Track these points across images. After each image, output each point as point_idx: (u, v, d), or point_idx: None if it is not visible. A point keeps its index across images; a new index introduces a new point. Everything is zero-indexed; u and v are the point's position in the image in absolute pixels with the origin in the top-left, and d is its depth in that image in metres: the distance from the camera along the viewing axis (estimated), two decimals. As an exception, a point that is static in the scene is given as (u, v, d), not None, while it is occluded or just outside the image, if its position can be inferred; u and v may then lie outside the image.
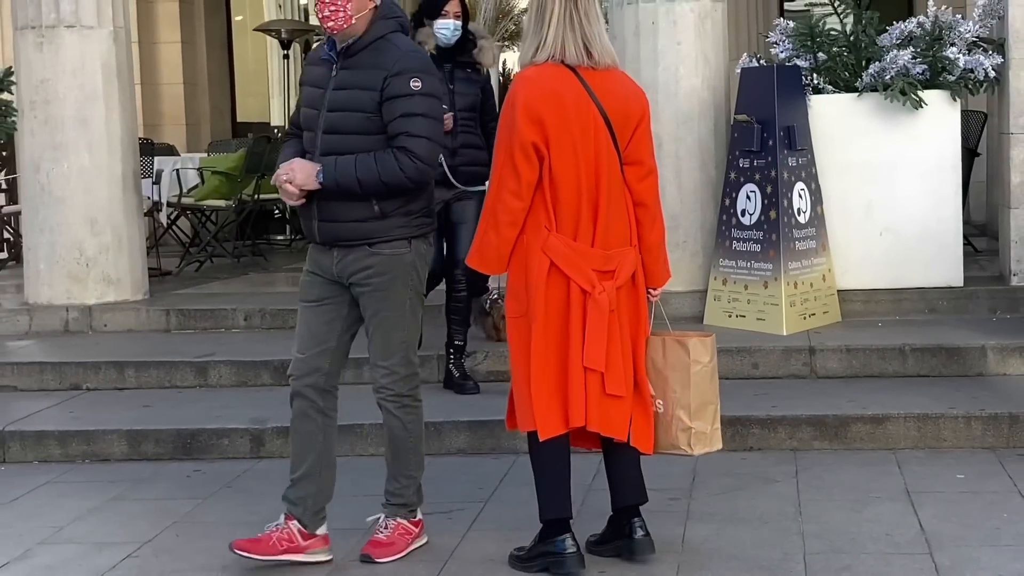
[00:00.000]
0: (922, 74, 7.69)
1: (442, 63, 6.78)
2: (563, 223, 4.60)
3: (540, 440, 4.60)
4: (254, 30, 16.04)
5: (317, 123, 4.75)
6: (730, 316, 7.63)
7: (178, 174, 11.67)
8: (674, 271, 7.78)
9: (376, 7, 4.74)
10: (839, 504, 5.37)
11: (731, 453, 6.08)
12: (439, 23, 6.81)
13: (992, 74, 7.74)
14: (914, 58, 7.66)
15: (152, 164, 11.66)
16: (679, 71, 7.96)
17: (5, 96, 9.19)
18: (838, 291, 7.74)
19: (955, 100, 7.79)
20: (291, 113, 5.18)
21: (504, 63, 19.02)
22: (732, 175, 7.75)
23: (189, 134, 14.51)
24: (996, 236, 8.69)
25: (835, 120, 7.79)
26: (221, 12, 15.43)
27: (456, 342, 7.03)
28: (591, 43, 4.60)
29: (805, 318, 7.48)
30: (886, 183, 7.79)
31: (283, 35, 15.43)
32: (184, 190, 11.59)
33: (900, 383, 6.78)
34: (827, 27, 7.98)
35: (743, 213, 7.62)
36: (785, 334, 7.31)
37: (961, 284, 7.84)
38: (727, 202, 7.75)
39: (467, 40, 6.93)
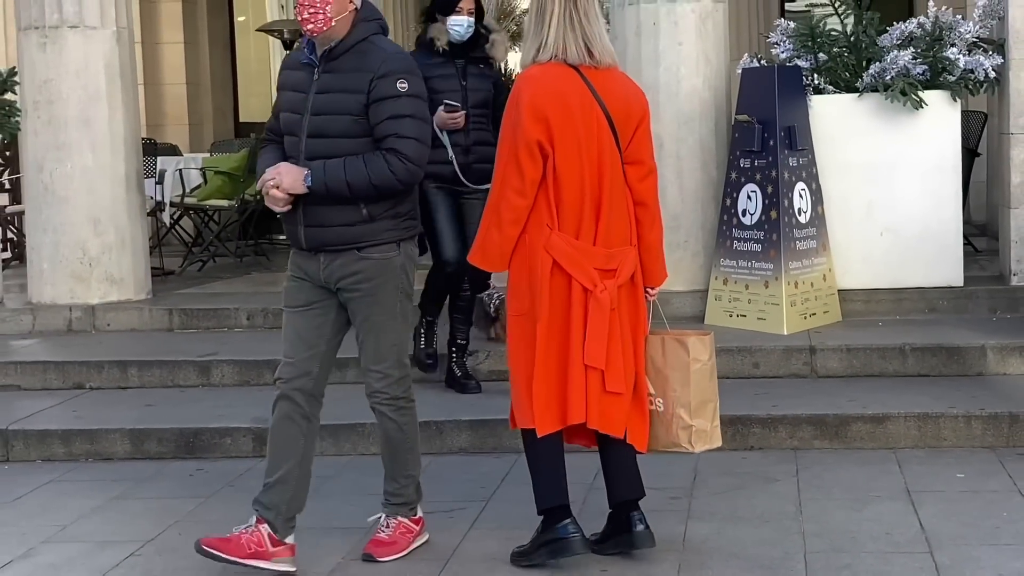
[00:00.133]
0: (922, 74, 7.70)
1: (454, 59, 6.76)
2: (566, 221, 4.62)
3: (538, 436, 4.63)
4: (256, 30, 16.05)
5: (300, 127, 4.68)
6: (731, 316, 7.64)
7: (181, 174, 11.68)
8: (675, 271, 7.89)
9: (357, 9, 4.70)
10: (839, 503, 5.38)
11: (732, 452, 6.10)
12: (453, 19, 6.73)
13: (992, 74, 7.75)
14: (914, 58, 7.67)
15: (155, 164, 11.68)
16: (680, 71, 7.97)
17: (9, 96, 9.22)
18: (839, 291, 7.75)
19: (955, 100, 7.80)
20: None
21: (505, 64, 18.98)
22: (733, 175, 7.76)
23: (192, 134, 14.53)
24: (996, 236, 8.70)
25: (836, 120, 7.80)
26: (224, 12, 15.44)
27: (459, 341, 7.03)
28: (592, 42, 4.63)
29: (806, 318, 7.49)
30: (886, 183, 7.81)
31: (285, 35, 15.42)
32: (187, 190, 11.60)
33: (900, 383, 6.79)
34: (828, 28, 7.99)
35: (744, 213, 7.64)
36: (786, 334, 7.32)
37: (961, 284, 7.85)
38: (728, 202, 7.76)
39: (479, 35, 6.84)
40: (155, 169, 11.60)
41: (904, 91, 7.60)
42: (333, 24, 4.63)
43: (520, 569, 4.75)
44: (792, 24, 8.14)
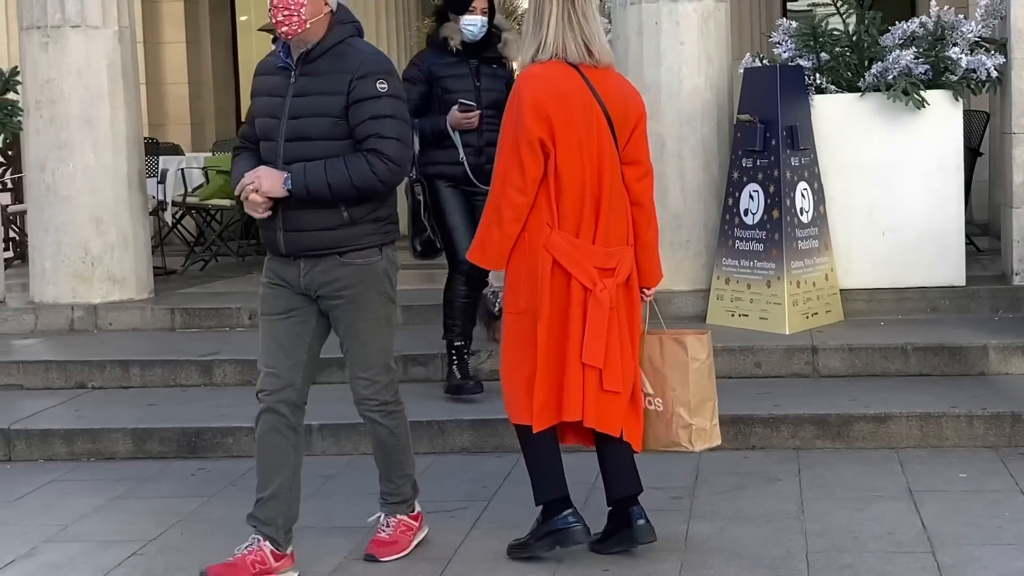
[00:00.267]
0: (924, 74, 7.70)
1: (467, 59, 6.72)
2: (566, 220, 4.63)
3: (534, 432, 4.67)
4: (259, 30, 15.99)
5: (278, 132, 4.61)
6: (733, 315, 7.64)
7: (183, 173, 11.69)
8: (677, 270, 7.92)
9: (332, 12, 4.65)
10: (841, 503, 5.38)
11: (734, 452, 6.11)
12: (466, 19, 6.66)
13: (994, 74, 7.75)
14: (916, 58, 7.67)
15: (157, 163, 11.69)
16: (682, 71, 7.97)
17: (11, 96, 9.22)
18: (840, 290, 7.75)
19: (957, 100, 7.80)
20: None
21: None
22: (735, 175, 7.76)
23: (194, 133, 14.55)
24: (998, 235, 8.70)
25: (838, 120, 7.80)
26: (226, 12, 15.45)
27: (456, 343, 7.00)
28: (591, 42, 4.65)
29: (808, 317, 7.49)
30: (888, 182, 7.80)
31: (287, 35, 15.40)
32: (189, 189, 11.61)
33: (902, 382, 6.79)
34: (830, 27, 7.98)
35: (746, 212, 7.64)
36: (788, 333, 7.32)
37: (963, 283, 7.85)
38: (730, 202, 7.76)
39: (491, 35, 6.79)
40: (157, 168, 11.61)
41: (906, 91, 7.60)
42: (308, 26, 4.56)
43: (523, 568, 4.75)
44: (794, 23, 8.14)
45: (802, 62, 7.87)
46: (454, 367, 6.85)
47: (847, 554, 4.77)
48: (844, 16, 8.01)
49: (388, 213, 4.74)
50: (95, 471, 6.43)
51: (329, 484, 5.90)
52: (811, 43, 7.89)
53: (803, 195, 7.58)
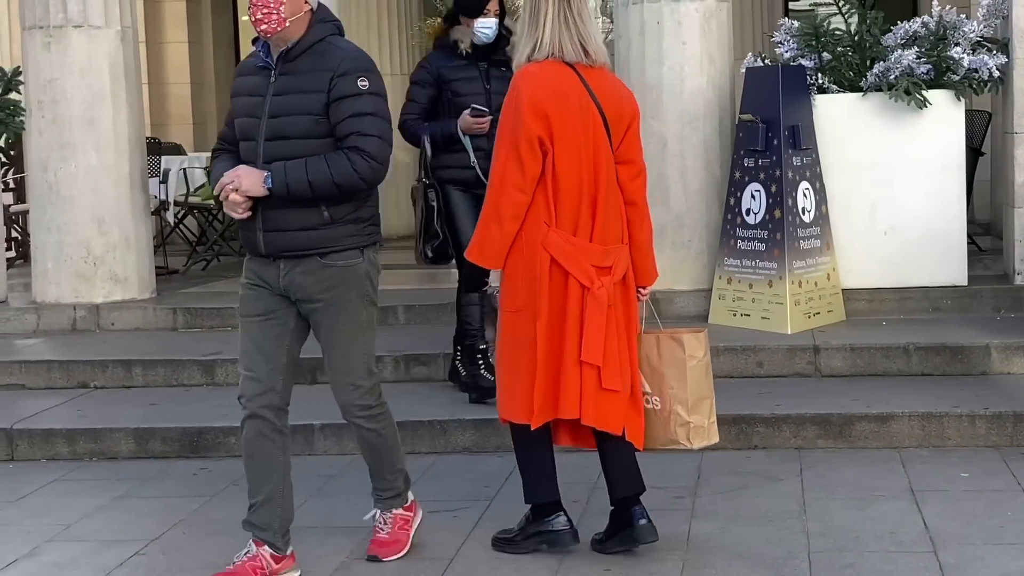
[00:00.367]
0: (926, 74, 7.70)
1: (477, 62, 6.66)
2: (563, 218, 4.66)
3: (532, 430, 4.68)
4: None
5: (258, 131, 4.56)
6: (735, 315, 7.64)
7: (185, 173, 11.69)
8: (679, 270, 7.93)
9: (312, 10, 4.61)
10: (843, 502, 5.38)
11: (736, 451, 6.11)
12: (481, 22, 6.58)
13: (996, 74, 7.75)
14: (918, 58, 7.67)
15: (159, 163, 11.68)
16: (684, 71, 7.97)
17: (13, 96, 9.23)
18: (842, 290, 7.75)
19: (959, 100, 7.79)
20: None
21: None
22: (737, 174, 7.76)
23: (196, 133, 14.54)
24: (1000, 235, 8.69)
25: (840, 120, 7.80)
26: (228, 12, 15.44)
27: (467, 342, 6.98)
28: (587, 42, 4.69)
29: (809, 317, 7.49)
30: (890, 182, 7.80)
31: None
32: (191, 189, 11.61)
33: (904, 382, 6.79)
34: (832, 27, 7.99)
35: (748, 212, 7.64)
36: (789, 333, 7.32)
37: (965, 283, 7.84)
38: (732, 201, 7.76)
39: (501, 37, 6.73)
40: (159, 168, 11.60)
41: (908, 90, 7.60)
42: (287, 25, 4.52)
43: (525, 568, 4.76)
44: (796, 23, 8.14)
45: (804, 62, 7.87)
46: (482, 371, 6.72)
47: (849, 554, 4.77)
48: (846, 16, 8.01)
49: (370, 214, 4.68)
50: (97, 471, 6.43)
51: (331, 484, 5.90)
52: (813, 43, 7.89)
53: (805, 195, 7.58)
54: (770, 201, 7.51)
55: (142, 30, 11.28)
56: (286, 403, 4.74)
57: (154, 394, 7.33)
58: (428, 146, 6.48)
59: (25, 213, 10.64)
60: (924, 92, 7.64)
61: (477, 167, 6.54)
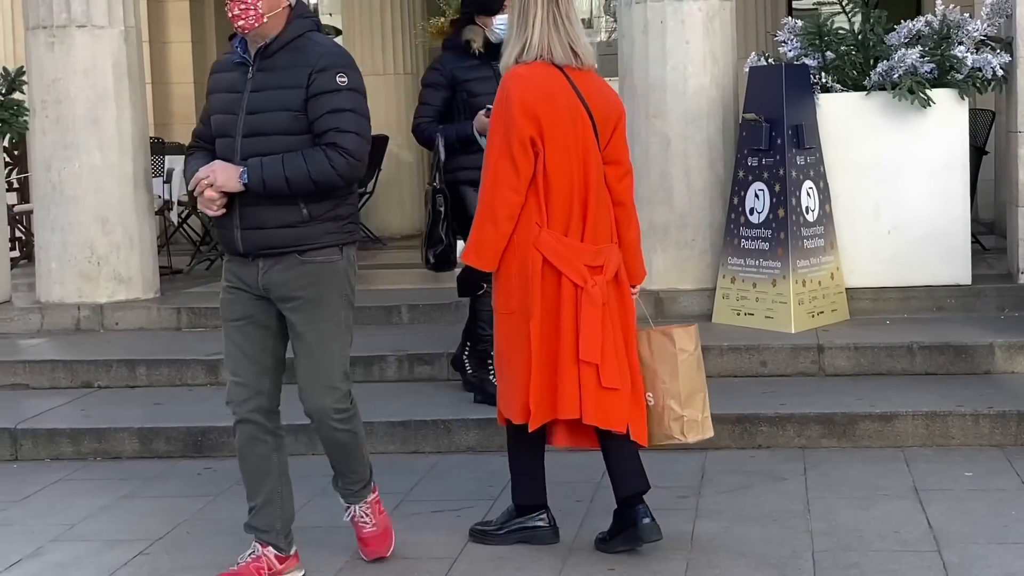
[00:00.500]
0: (930, 73, 7.69)
1: (489, 61, 6.55)
2: (554, 218, 4.69)
3: (530, 430, 4.72)
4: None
5: (235, 128, 4.51)
6: (739, 314, 7.64)
7: (188, 173, 11.67)
8: (682, 269, 7.94)
9: (290, 6, 4.56)
10: (847, 502, 5.38)
11: (739, 451, 6.11)
12: (499, 19, 6.46)
13: (1000, 72, 7.75)
14: (922, 57, 7.66)
15: (163, 163, 11.68)
16: (687, 70, 7.97)
17: (17, 96, 9.23)
18: (846, 289, 7.75)
19: (963, 99, 7.79)
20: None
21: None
22: (740, 173, 7.76)
23: (199, 133, 14.51)
24: (1004, 234, 8.69)
25: (843, 119, 7.80)
26: (231, 11, 15.43)
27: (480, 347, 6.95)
28: (576, 44, 4.74)
29: (813, 316, 7.49)
30: (894, 181, 7.80)
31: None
32: (194, 189, 11.59)
33: (908, 381, 6.78)
34: (835, 26, 7.97)
35: (751, 211, 7.64)
36: (793, 332, 7.32)
37: (969, 282, 7.84)
38: (735, 200, 7.76)
39: None
40: (163, 168, 11.61)
41: (912, 89, 7.59)
42: (265, 20, 4.47)
43: (527, 568, 4.76)
44: (799, 22, 8.13)
45: (807, 61, 7.86)
46: (491, 376, 6.54)
47: (853, 553, 4.77)
48: (850, 15, 8.01)
49: (349, 212, 4.64)
50: (101, 470, 6.43)
51: (335, 483, 5.90)
52: (816, 42, 7.89)
53: (808, 194, 7.58)
54: (774, 200, 7.51)
55: (145, 30, 11.28)
56: (276, 404, 4.69)
57: (158, 394, 7.33)
58: (442, 149, 6.45)
59: (29, 213, 10.65)
60: (928, 91, 7.64)
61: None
